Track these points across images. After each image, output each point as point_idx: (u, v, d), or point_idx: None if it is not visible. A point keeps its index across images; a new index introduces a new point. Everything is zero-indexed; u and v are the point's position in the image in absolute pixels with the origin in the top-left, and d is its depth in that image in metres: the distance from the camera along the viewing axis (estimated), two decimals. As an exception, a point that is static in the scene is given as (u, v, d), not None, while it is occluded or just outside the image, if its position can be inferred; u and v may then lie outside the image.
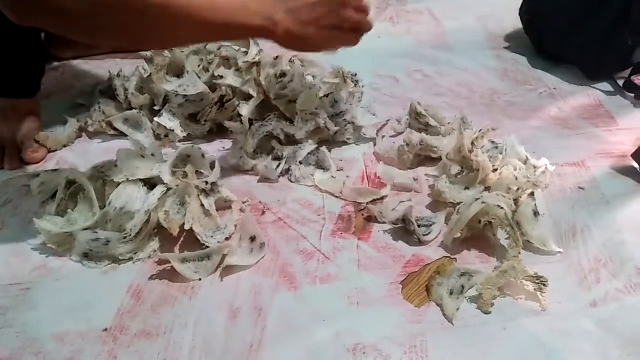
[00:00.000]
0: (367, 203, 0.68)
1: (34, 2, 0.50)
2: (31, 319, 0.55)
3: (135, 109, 0.81)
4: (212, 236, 0.62)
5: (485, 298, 0.55)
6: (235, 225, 0.64)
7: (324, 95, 0.78)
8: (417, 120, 0.79)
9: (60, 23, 0.53)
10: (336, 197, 0.69)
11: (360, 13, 0.66)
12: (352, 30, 0.66)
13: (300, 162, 0.73)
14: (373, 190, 0.69)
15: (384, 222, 0.65)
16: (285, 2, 0.61)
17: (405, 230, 0.63)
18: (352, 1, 0.65)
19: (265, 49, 0.88)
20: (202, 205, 0.63)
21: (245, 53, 0.85)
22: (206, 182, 0.65)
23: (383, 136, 0.80)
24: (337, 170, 0.74)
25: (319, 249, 0.62)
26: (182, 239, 0.62)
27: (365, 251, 0.62)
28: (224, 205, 0.67)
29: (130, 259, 0.61)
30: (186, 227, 0.60)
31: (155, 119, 0.79)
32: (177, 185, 0.63)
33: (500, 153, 0.72)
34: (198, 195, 0.63)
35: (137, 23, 0.54)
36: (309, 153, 0.73)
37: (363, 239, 0.64)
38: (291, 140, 0.76)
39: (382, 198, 0.69)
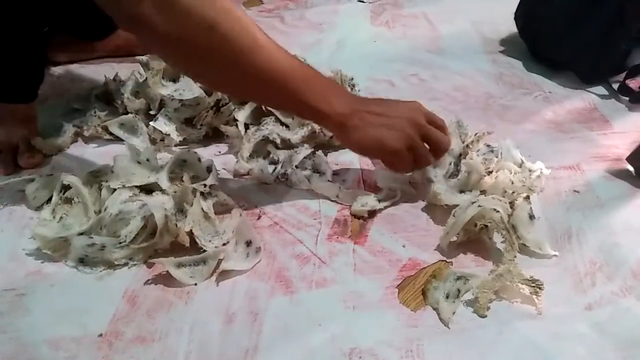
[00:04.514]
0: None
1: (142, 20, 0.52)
2: (26, 324, 0.55)
3: (131, 113, 0.81)
4: (210, 240, 0.62)
5: (482, 302, 0.55)
6: (233, 230, 0.64)
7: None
8: (413, 124, 0.79)
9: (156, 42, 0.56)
10: (332, 201, 0.70)
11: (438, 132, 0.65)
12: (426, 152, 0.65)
13: (297, 167, 0.73)
14: (369, 194, 0.69)
15: None
16: (367, 115, 0.62)
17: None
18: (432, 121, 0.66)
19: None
20: (201, 208, 0.63)
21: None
22: (205, 185, 0.65)
23: (379, 140, 0.79)
24: (333, 174, 0.74)
25: (315, 254, 0.62)
26: (177, 243, 0.62)
27: (362, 255, 0.62)
28: (221, 210, 0.67)
29: (125, 264, 0.61)
30: (186, 229, 0.60)
31: (151, 123, 0.79)
32: (175, 192, 0.63)
33: (496, 157, 0.72)
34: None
35: (229, 73, 0.57)
36: (305, 157, 0.73)
37: (359, 243, 0.64)
38: (287, 145, 0.76)
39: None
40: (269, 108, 0.78)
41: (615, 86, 0.91)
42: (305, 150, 0.74)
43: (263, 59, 0.57)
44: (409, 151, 0.64)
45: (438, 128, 0.66)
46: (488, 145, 0.75)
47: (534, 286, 0.55)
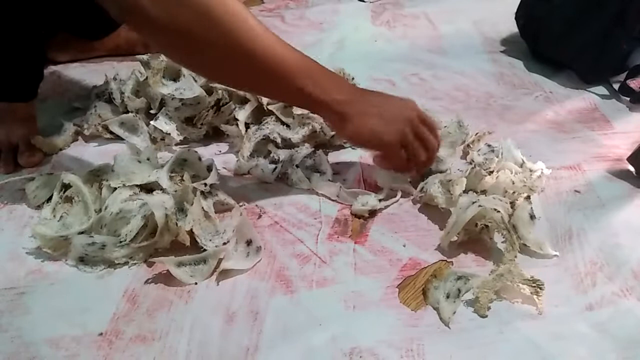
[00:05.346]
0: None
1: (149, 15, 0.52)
2: (26, 323, 0.55)
3: (131, 112, 0.81)
4: (210, 240, 0.62)
5: (482, 302, 0.55)
6: (233, 230, 0.64)
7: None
8: (414, 124, 0.79)
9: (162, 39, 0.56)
10: (333, 200, 0.69)
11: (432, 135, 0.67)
12: (420, 151, 0.66)
13: (297, 166, 0.73)
14: (369, 193, 0.69)
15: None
16: (369, 106, 0.63)
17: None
18: (428, 123, 0.67)
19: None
20: (202, 208, 0.63)
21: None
22: (205, 184, 0.65)
23: (380, 140, 0.79)
24: (334, 174, 0.74)
25: (316, 253, 0.62)
26: (177, 242, 0.62)
27: (362, 255, 0.62)
28: (221, 209, 0.67)
29: (126, 263, 0.61)
30: (187, 228, 0.60)
31: (152, 122, 0.79)
32: (175, 191, 0.63)
33: (497, 156, 0.72)
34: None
35: (226, 62, 0.57)
36: (305, 157, 0.73)
37: (359, 243, 0.64)
38: (288, 144, 0.76)
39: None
40: (269, 108, 0.78)
41: (616, 86, 0.91)
42: (306, 150, 0.74)
43: (261, 46, 0.56)
44: (403, 147, 0.65)
45: (430, 129, 0.67)
46: (489, 145, 0.75)
47: (534, 286, 0.55)
